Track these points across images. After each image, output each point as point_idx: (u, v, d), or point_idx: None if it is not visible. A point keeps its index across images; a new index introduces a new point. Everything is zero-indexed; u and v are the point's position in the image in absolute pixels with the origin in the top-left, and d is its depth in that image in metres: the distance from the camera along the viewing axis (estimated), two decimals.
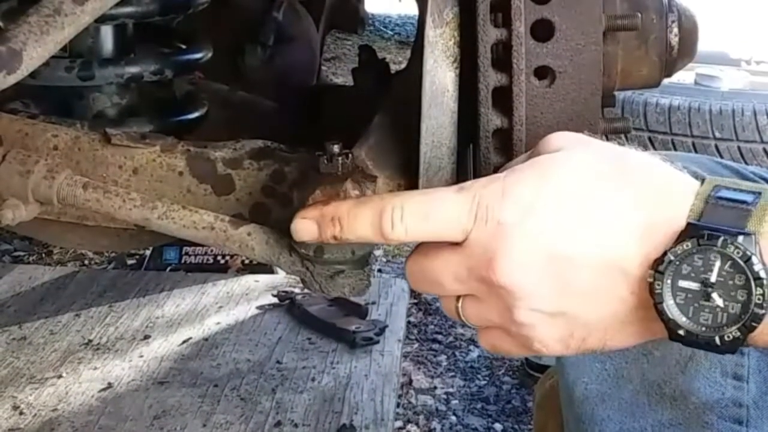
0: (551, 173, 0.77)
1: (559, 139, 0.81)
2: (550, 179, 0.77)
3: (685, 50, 1.00)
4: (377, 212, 0.80)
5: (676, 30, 0.98)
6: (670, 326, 0.75)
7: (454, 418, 2.26)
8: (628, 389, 1.13)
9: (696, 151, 3.26)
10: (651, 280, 0.74)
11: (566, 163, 0.78)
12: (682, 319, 0.74)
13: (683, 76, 3.35)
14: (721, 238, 0.73)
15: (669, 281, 0.74)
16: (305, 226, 0.86)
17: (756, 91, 3.43)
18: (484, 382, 2.40)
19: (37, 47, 0.93)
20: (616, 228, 0.76)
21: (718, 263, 0.74)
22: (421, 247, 0.82)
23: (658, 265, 0.74)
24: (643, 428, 1.12)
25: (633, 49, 0.97)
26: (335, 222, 0.83)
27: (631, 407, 1.12)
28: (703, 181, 0.77)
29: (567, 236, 0.76)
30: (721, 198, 0.75)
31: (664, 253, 0.74)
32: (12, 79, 0.93)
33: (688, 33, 1.00)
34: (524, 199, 0.76)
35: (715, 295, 0.74)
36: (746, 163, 3.18)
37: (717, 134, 3.32)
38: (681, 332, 0.74)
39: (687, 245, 0.73)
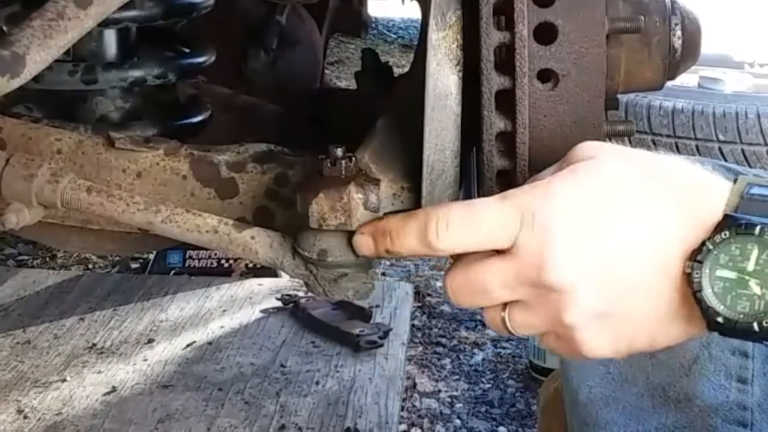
0: (592, 178, 0.79)
1: (590, 147, 0.83)
2: (591, 183, 0.79)
3: (689, 53, 0.99)
4: (422, 224, 0.82)
5: (679, 33, 0.98)
6: (709, 315, 0.77)
7: (458, 421, 2.26)
8: (633, 392, 1.13)
9: (700, 154, 3.25)
10: (689, 270, 0.77)
11: (605, 168, 0.80)
12: (720, 308, 0.76)
13: (687, 79, 3.35)
14: (759, 227, 0.75)
15: (707, 270, 0.76)
16: (363, 241, 0.89)
17: (760, 93, 3.43)
18: (488, 386, 2.40)
19: (41, 51, 0.93)
20: (659, 228, 0.78)
21: (755, 252, 0.76)
22: (463, 258, 0.83)
23: (696, 255, 0.76)
24: (647, 431, 1.11)
25: (636, 51, 0.97)
26: (386, 235, 0.85)
27: (636, 410, 1.12)
28: (735, 179, 0.80)
29: (613, 237, 0.78)
30: (754, 194, 0.78)
31: (703, 243, 0.76)
32: (15, 83, 0.93)
33: (692, 36, 0.99)
34: (568, 203, 0.78)
35: (752, 283, 0.76)
36: (750, 166, 3.17)
37: (721, 137, 3.32)
38: (719, 320, 0.76)
39: (725, 234, 0.76)
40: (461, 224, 0.80)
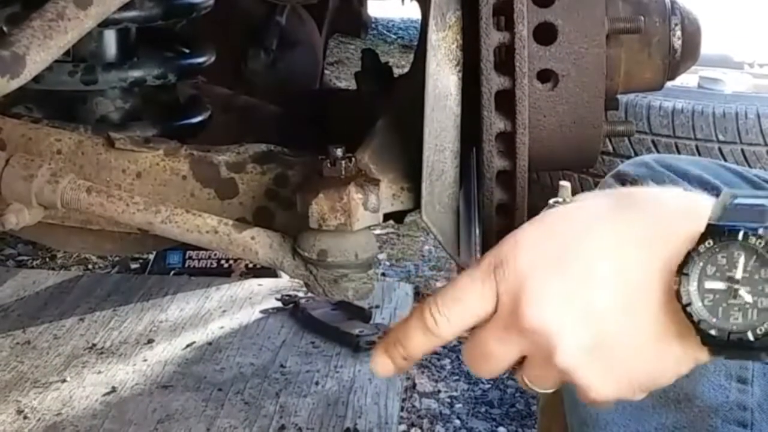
0: (557, 217, 0.80)
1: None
2: (555, 222, 0.79)
3: (688, 53, 0.99)
4: (420, 317, 0.82)
5: (679, 33, 0.98)
6: (702, 328, 0.74)
7: (458, 421, 2.26)
8: None
9: (700, 155, 3.24)
10: (677, 285, 0.74)
11: (570, 206, 0.80)
12: (712, 320, 0.73)
13: (686, 79, 3.34)
14: (742, 232, 0.73)
15: (695, 283, 0.73)
16: (381, 363, 0.87)
17: (759, 94, 3.42)
18: (488, 386, 2.40)
19: (41, 51, 0.93)
20: (630, 253, 0.76)
21: (742, 259, 0.73)
22: (472, 330, 0.83)
23: (682, 268, 0.74)
24: (647, 431, 1.11)
25: (636, 52, 0.97)
26: (397, 346, 0.84)
27: (636, 411, 1.12)
28: (718, 194, 0.78)
29: (586, 266, 0.77)
30: (738, 204, 0.76)
31: (688, 254, 0.74)
32: (15, 84, 0.93)
33: (691, 36, 0.99)
34: (534, 244, 0.78)
35: (742, 292, 0.73)
36: (750, 166, 3.17)
37: (720, 137, 3.31)
38: (713, 332, 0.73)
39: (709, 243, 0.73)
40: (449, 301, 0.81)
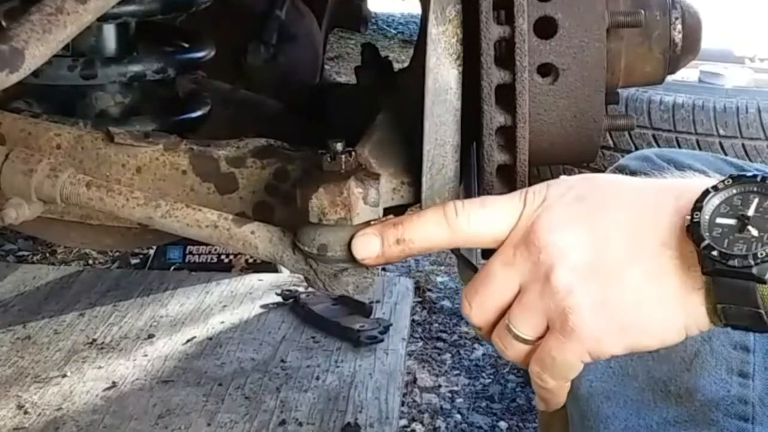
0: (594, 175, 0.86)
1: None
2: (592, 175, 0.85)
3: (689, 47, 0.99)
4: (439, 209, 0.86)
5: (679, 27, 0.98)
6: (704, 250, 0.76)
7: (458, 416, 2.26)
8: (633, 387, 1.13)
9: (700, 149, 3.24)
10: (689, 216, 0.78)
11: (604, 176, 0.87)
12: (716, 246, 0.77)
13: (687, 74, 3.34)
14: (760, 176, 0.78)
15: (707, 217, 0.77)
16: (365, 240, 0.90)
17: (760, 88, 3.42)
18: (488, 381, 2.40)
19: (40, 46, 0.93)
20: (648, 191, 0.82)
21: (756, 200, 0.78)
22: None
23: (697, 202, 0.78)
24: (648, 425, 1.11)
25: (636, 46, 0.97)
26: (397, 226, 0.87)
27: (637, 404, 1.12)
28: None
29: (605, 201, 0.82)
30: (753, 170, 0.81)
31: (705, 190, 0.78)
32: (14, 78, 0.93)
33: (692, 30, 0.99)
34: (568, 183, 0.84)
35: (750, 228, 0.77)
36: (750, 160, 3.17)
37: (721, 132, 3.31)
38: (714, 253, 0.76)
39: (728, 181, 0.79)
40: (478, 208, 0.85)
